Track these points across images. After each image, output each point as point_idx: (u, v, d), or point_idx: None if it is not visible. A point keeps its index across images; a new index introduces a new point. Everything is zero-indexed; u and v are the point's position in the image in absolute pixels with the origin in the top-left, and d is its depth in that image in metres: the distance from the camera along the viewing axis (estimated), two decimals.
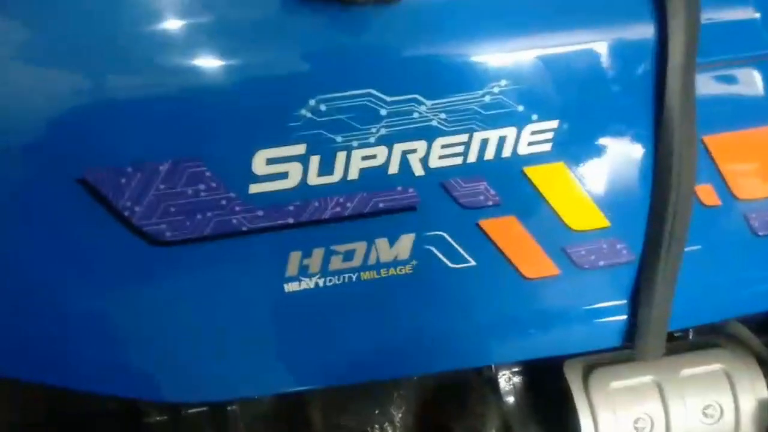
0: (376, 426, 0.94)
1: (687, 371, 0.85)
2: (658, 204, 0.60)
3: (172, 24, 0.51)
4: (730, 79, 0.60)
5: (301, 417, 0.94)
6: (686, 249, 0.63)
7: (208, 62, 0.52)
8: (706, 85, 0.59)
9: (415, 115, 0.54)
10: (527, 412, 0.91)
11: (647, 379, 0.85)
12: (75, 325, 0.59)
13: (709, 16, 0.56)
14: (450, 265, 0.61)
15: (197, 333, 0.61)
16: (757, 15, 0.58)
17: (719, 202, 0.63)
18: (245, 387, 0.64)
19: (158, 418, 0.89)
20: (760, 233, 0.66)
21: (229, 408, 0.86)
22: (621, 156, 0.60)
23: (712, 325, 0.90)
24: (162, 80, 0.51)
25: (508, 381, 0.91)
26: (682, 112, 0.56)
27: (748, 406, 0.84)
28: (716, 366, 0.86)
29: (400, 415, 0.94)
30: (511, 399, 0.91)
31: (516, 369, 0.91)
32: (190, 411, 0.87)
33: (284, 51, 0.53)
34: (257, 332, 0.61)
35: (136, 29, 0.51)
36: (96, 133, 0.51)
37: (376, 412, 0.93)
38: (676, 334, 0.89)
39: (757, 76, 0.60)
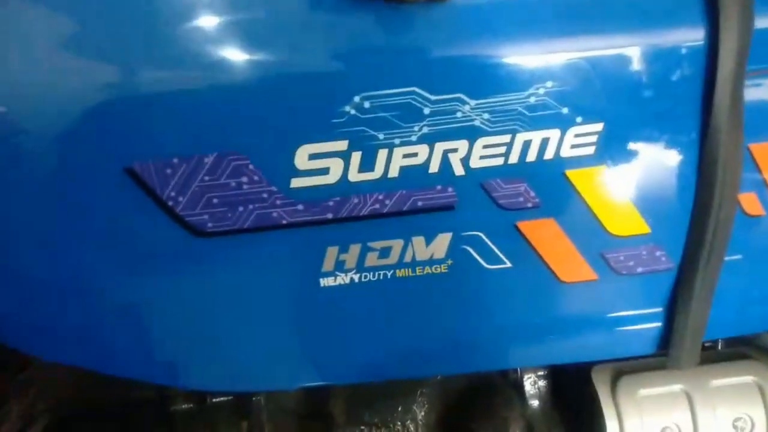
0: (399, 423, 0.94)
1: (717, 382, 0.84)
2: (701, 212, 0.59)
3: (221, 20, 0.52)
4: None
5: (324, 411, 0.94)
6: (727, 258, 0.62)
7: (255, 58, 0.52)
8: (755, 91, 0.58)
9: (459, 114, 0.54)
10: (551, 416, 0.91)
11: (677, 388, 0.84)
12: (114, 312, 0.60)
13: (762, 22, 0.55)
14: (486, 265, 0.61)
15: (232, 323, 0.61)
16: None
17: (763, 212, 0.62)
18: (275, 379, 0.64)
19: (185, 407, 0.90)
20: None
21: (254, 399, 0.87)
22: (665, 161, 0.59)
23: (742, 336, 0.88)
24: (210, 75, 0.52)
25: (533, 384, 0.91)
26: (729, 120, 0.55)
27: None
28: (748, 378, 0.84)
29: (422, 413, 0.94)
30: (535, 403, 0.91)
31: (541, 373, 0.91)
32: (215, 400, 0.88)
33: (330, 48, 0.53)
34: (291, 325, 0.62)
35: (184, 25, 0.51)
36: (144, 125, 0.52)
37: (399, 409, 0.94)
38: (705, 344, 0.88)
39: None
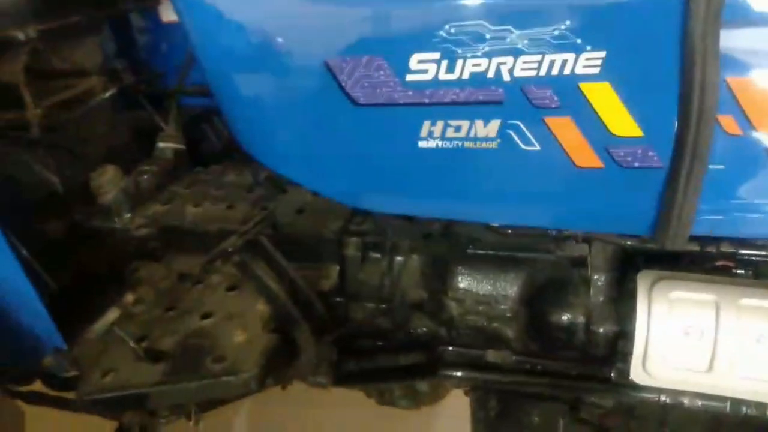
0: (493, 299, 1.26)
1: (747, 301, 0.99)
2: (683, 123, 0.82)
3: None
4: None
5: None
6: (711, 167, 0.84)
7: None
8: (733, 37, 0.79)
9: (508, 39, 0.88)
10: (608, 308, 1.14)
11: (709, 297, 1.01)
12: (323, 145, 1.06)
13: None
14: (523, 147, 0.92)
15: (374, 159, 1.03)
16: None
17: (740, 132, 0.82)
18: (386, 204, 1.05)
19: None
20: None
21: None
22: (656, 82, 0.83)
23: None
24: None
25: (598, 280, 1.15)
26: (703, 51, 0.78)
27: None
28: None
29: (514, 293, 1.24)
30: (599, 297, 1.15)
31: (609, 274, 1.14)
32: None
33: None
34: (399, 168, 1.02)
35: None
36: (333, 34, 0.96)
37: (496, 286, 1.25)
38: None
39: None
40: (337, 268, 1.31)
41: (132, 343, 1.14)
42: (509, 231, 1.15)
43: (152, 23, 1.88)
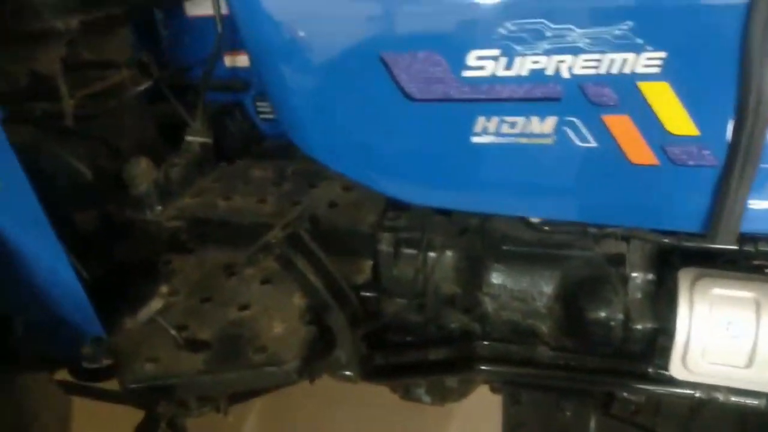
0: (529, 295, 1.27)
1: None
2: (738, 124, 0.85)
3: None
4: None
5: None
6: (763, 166, 0.86)
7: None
8: None
9: (569, 38, 0.90)
10: (646, 305, 1.16)
11: (749, 294, 1.04)
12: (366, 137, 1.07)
13: None
14: (578, 143, 0.95)
15: (425, 153, 1.04)
16: None
17: None
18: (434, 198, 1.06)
19: None
20: None
21: None
22: (714, 84, 0.86)
23: None
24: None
25: (637, 279, 1.17)
26: (761, 54, 0.81)
27: None
28: None
29: (550, 289, 1.25)
30: (637, 294, 1.17)
31: (650, 276, 1.17)
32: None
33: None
34: (449, 163, 1.03)
35: None
36: (391, 28, 0.98)
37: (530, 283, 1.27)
38: None
39: None
40: (371, 262, 1.31)
41: (173, 332, 1.14)
42: (547, 228, 1.16)
43: (176, 17, 1.88)
